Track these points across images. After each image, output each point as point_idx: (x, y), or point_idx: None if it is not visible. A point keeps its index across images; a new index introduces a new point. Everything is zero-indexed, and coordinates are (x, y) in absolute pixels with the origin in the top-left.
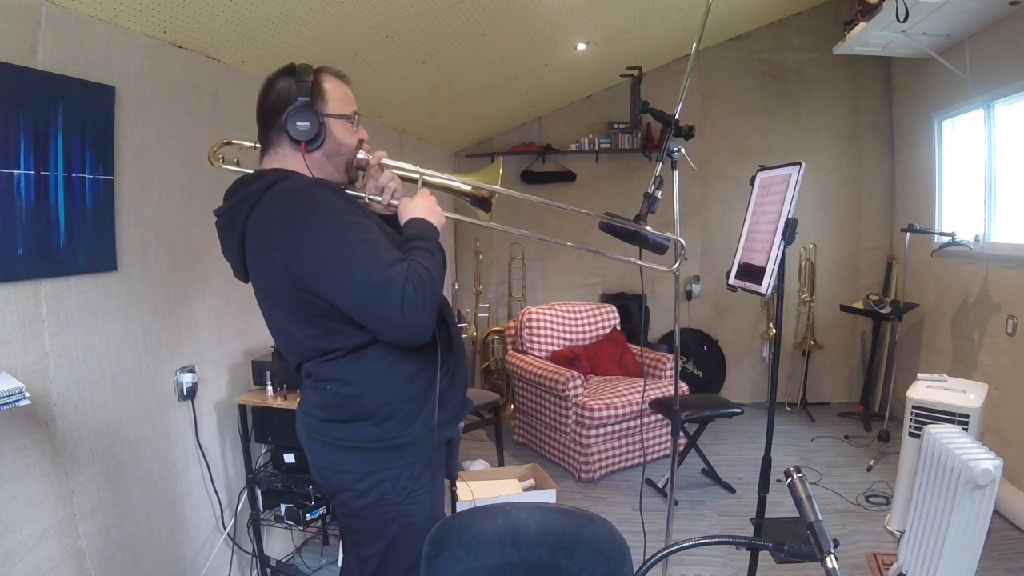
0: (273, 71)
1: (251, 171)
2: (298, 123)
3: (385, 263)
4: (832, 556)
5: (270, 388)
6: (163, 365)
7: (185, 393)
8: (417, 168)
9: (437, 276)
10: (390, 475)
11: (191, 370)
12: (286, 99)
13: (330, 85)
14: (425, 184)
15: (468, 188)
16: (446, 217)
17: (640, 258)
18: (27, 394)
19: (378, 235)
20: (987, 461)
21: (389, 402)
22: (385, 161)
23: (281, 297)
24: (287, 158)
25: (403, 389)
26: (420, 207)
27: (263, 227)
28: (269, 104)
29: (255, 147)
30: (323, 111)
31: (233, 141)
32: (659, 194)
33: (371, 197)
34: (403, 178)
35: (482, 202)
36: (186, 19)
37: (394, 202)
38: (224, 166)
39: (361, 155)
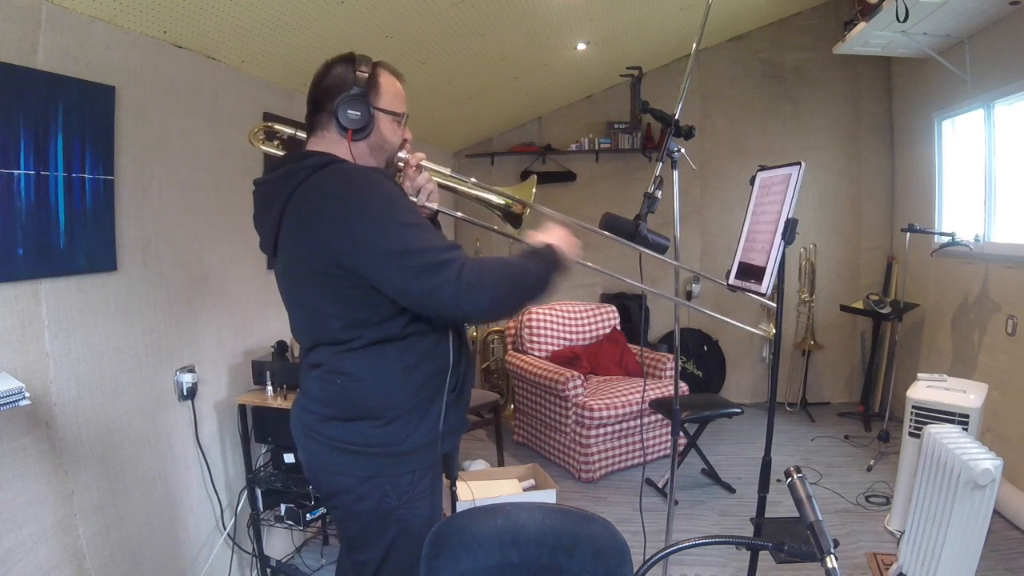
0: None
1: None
2: (349, 111)
3: (442, 248)
4: (832, 556)
5: (270, 388)
6: (163, 365)
7: (185, 393)
8: (455, 174)
9: (507, 270)
10: (389, 480)
11: (191, 370)
12: (341, 85)
13: (385, 80)
14: (458, 193)
15: (501, 203)
16: (465, 222)
17: (640, 258)
18: (27, 394)
19: (427, 223)
20: (987, 461)
21: (397, 405)
22: (424, 164)
23: (315, 273)
24: (332, 143)
25: (413, 395)
26: (558, 236)
27: (313, 202)
28: (323, 88)
29: (296, 135)
30: (375, 104)
31: (276, 126)
32: (659, 194)
33: None
34: (441, 185)
35: (513, 218)
36: (186, 19)
37: (429, 204)
38: (264, 147)
39: (402, 154)
